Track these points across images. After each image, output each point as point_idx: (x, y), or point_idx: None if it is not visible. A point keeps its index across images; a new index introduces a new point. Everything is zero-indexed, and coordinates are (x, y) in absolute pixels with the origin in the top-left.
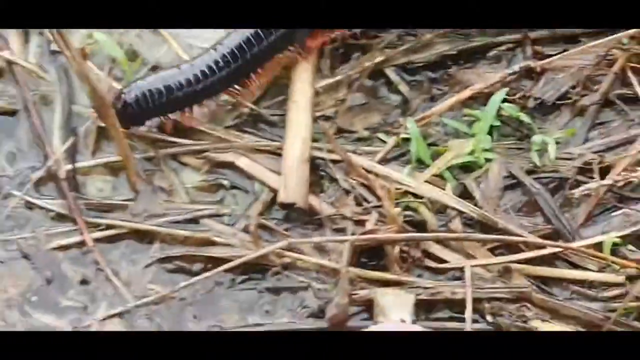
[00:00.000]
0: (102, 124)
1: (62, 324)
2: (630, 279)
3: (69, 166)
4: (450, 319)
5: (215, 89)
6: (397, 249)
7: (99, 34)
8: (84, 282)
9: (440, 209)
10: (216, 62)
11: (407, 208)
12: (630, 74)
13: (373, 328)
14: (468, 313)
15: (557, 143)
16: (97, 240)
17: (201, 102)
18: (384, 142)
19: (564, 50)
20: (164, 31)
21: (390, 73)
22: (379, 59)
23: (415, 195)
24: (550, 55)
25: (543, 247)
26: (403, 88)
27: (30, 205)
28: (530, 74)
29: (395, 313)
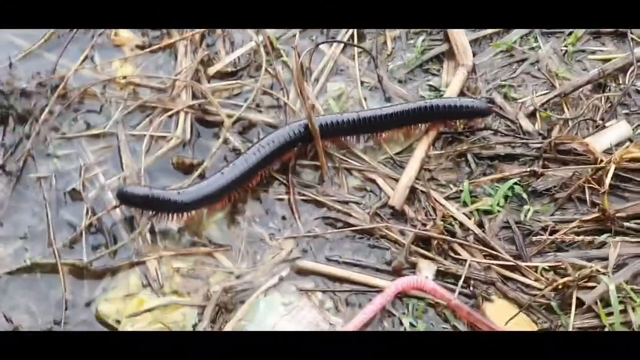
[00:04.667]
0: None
1: (265, 233)
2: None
3: (292, 162)
4: (453, 284)
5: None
6: (435, 242)
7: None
8: (283, 217)
9: (465, 229)
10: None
11: (450, 224)
12: (585, 187)
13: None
14: (459, 284)
15: (536, 212)
16: (296, 200)
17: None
18: (451, 189)
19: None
20: None
21: (469, 156)
22: (465, 147)
23: (454, 219)
24: (548, 167)
25: (510, 261)
26: (472, 165)
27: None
28: (535, 174)
29: (425, 272)
